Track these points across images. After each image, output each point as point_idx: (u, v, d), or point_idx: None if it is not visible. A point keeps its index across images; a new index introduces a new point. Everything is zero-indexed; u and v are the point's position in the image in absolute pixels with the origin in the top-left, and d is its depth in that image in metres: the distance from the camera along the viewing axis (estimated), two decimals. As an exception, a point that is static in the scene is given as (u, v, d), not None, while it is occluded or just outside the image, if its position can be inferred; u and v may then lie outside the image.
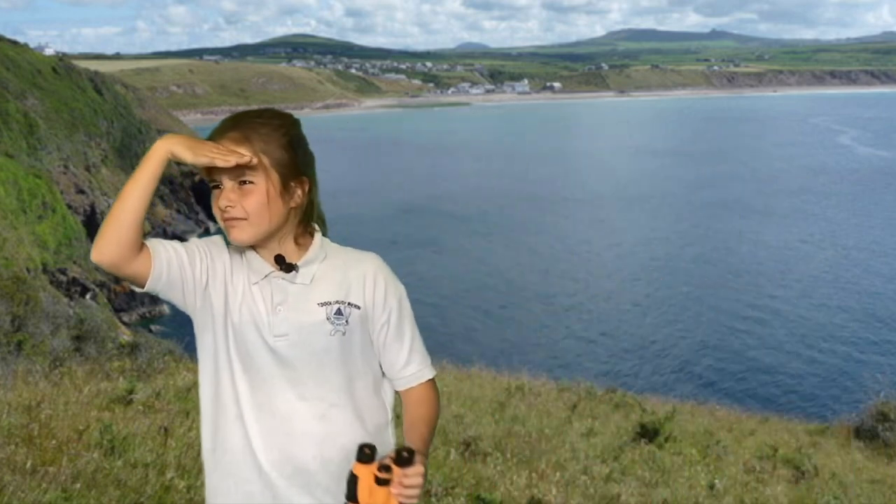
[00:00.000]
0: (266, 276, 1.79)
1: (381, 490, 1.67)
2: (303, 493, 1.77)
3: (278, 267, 1.78)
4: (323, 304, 1.77)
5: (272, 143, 1.77)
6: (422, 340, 1.89)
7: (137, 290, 1.80)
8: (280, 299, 1.78)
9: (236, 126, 1.78)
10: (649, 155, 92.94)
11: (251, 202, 1.74)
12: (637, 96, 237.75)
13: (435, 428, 1.91)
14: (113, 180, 47.72)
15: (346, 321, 1.78)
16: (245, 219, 1.75)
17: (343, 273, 1.81)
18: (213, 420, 1.81)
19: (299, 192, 1.81)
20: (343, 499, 1.73)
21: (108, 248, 1.70)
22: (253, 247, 1.81)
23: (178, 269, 1.77)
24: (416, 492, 1.72)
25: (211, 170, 1.76)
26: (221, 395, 1.79)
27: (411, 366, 1.86)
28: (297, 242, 1.82)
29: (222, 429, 1.80)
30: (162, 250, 1.76)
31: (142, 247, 1.73)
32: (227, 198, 1.75)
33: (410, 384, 1.87)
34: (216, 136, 1.78)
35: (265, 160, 1.75)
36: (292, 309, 1.77)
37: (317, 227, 1.86)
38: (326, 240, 1.87)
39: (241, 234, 1.76)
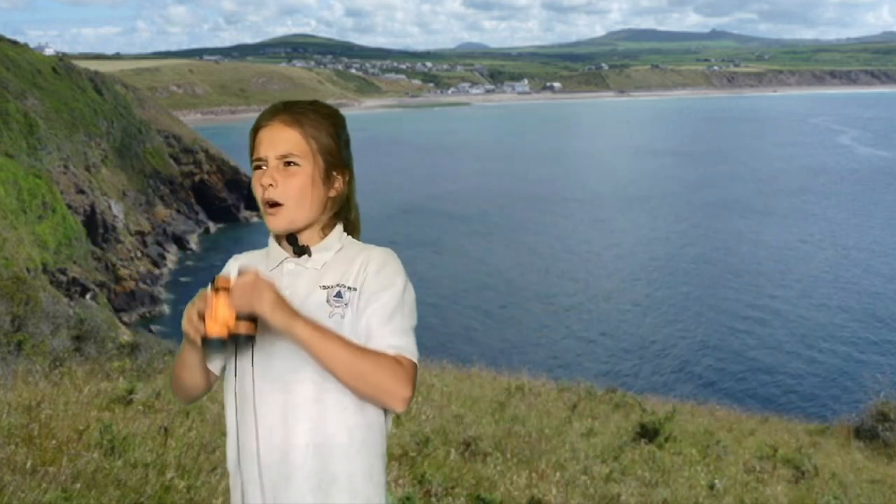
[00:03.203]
0: (280, 262, 1.83)
1: (217, 297, 1.64)
2: (280, 487, 1.75)
3: (292, 249, 1.81)
4: (325, 287, 1.78)
5: (322, 129, 1.81)
6: (413, 336, 1.74)
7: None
8: (288, 283, 1.79)
9: (288, 110, 1.82)
10: (649, 155, 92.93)
11: (294, 184, 1.77)
12: (637, 96, 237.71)
13: (345, 358, 1.65)
14: (113, 180, 47.71)
15: (346, 304, 1.76)
16: (282, 204, 1.78)
17: (351, 261, 1.81)
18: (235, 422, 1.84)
19: (339, 182, 1.85)
20: (332, 493, 1.74)
21: (183, 398, 1.99)
22: (278, 238, 1.85)
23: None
24: (242, 286, 1.65)
25: (257, 147, 1.81)
26: (230, 394, 1.83)
27: (392, 339, 1.71)
28: (322, 232, 1.85)
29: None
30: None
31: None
32: (270, 176, 1.77)
33: (382, 349, 1.70)
34: (265, 118, 1.83)
35: (313, 145, 1.79)
36: (297, 292, 1.78)
37: (339, 222, 1.88)
38: (347, 235, 1.88)
39: (279, 221, 1.79)
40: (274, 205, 1.79)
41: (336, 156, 1.83)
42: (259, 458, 1.76)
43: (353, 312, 1.75)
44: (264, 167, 1.80)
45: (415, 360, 1.71)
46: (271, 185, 1.77)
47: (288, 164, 1.78)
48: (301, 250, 1.81)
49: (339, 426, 1.76)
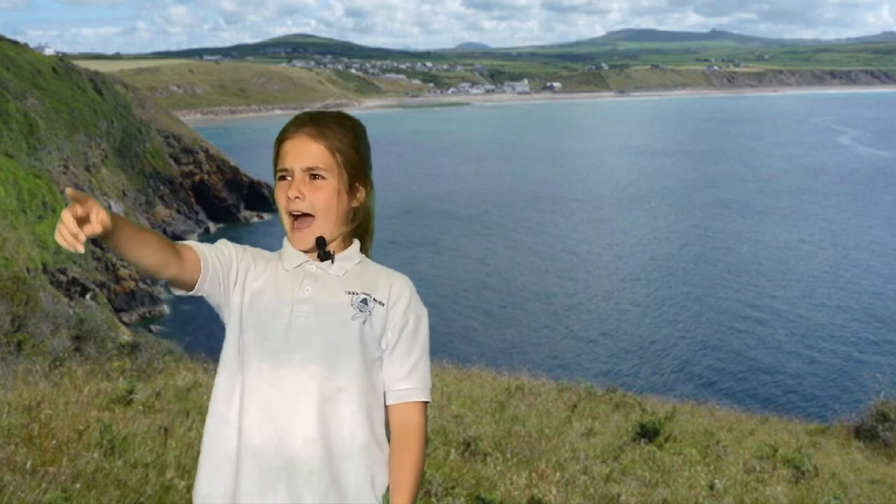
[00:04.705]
0: (300, 264, 1.86)
1: None
2: (276, 480, 1.75)
3: (317, 251, 1.85)
4: (350, 293, 1.83)
5: (346, 143, 1.85)
6: (429, 369, 1.89)
7: (183, 293, 1.82)
8: (309, 281, 1.83)
9: (313, 123, 1.85)
10: (649, 155, 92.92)
11: (321, 197, 1.82)
12: (637, 96, 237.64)
13: (422, 470, 1.84)
14: (113, 180, 47.70)
15: (370, 312, 1.82)
16: (312, 215, 1.82)
17: (374, 276, 1.88)
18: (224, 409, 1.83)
19: (362, 193, 1.90)
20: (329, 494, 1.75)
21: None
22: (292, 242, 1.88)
23: (221, 269, 1.82)
24: None
25: (283, 158, 1.83)
26: (237, 376, 1.82)
27: (409, 381, 1.85)
28: (343, 242, 1.90)
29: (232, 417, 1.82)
30: (209, 256, 1.81)
31: (185, 255, 1.77)
32: (297, 189, 1.81)
33: (402, 399, 1.84)
34: (291, 130, 1.85)
35: (338, 158, 1.84)
36: (319, 290, 1.82)
37: (356, 237, 1.94)
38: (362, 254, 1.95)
39: (305, 240, 1.83)
40: (300, 216, 1.83)
41: (359, 168, 1.88)
42: (262, 452, 1.76)
43: (379, 323, 1.83)
44: (289, 178, 1.83)
45: (428, 397, 1.87)
46: (298, 197, 1.81)
47: (314, 177, 1.82)
48: (327, 255, 1.86)
49: (348, 427, 1.78)
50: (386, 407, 1.87)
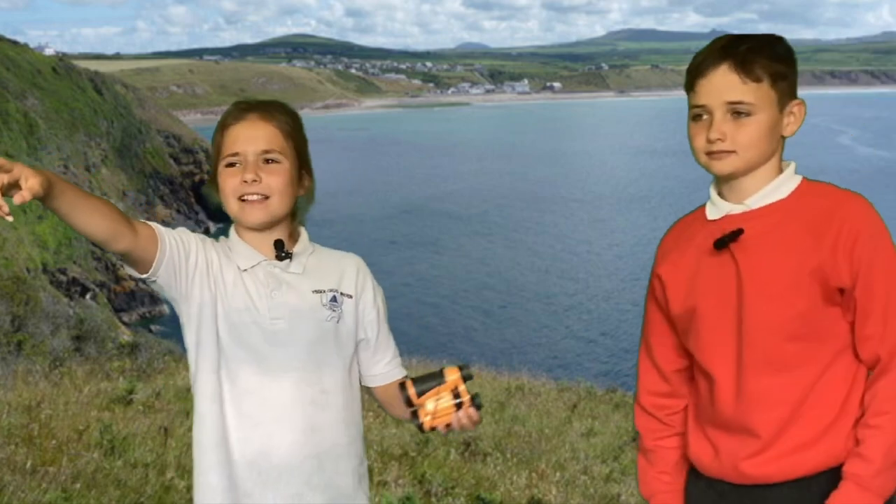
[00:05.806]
0: (258, 263, 1.78)
1: (450, 403, 1.79)
2: (269, 488, 1.73)
3: (275, 252, 1.78)
4: (317, 292, 1.78)
5: (293, 127, 1.81)
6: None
7: (137, 275, 1.73)
8: (274, 285, 1.76)
9: (261, 108, 1.80)
10: (649, 155, 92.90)
11: (277, 180, 1.75)
12: (637, 96, 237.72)
13: None
14: (113, 180, 47.72)
15: (341, 308, 1.80)
16: (267, 197, 1.75)
17: (332, 265, 1.84)
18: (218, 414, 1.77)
19: (307, 181, 1.85)
20: (329, 497, 1.75)
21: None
22: (241, 236, 1.80)
23: (179, 254, 1.72)
24: (475, 420, 1.87)
25: (231, 143, 1.75)
26: (216, 387, 1.76)
27: (393, 362, 1.90)
28: (290, 235, 1.83)
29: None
30: (167, 236, 1.72)
31: (139, 230, 1.67)
32: (253, 172, 1.73)
33: (389, 379, 1.88)
34: (235, 114, 1.78)
35: (290, 142, 1.79)
36: (286, 295, 1.76)
37: (302, 229, 1.88)
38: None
39: (259, 213, 1.75)
40: (257, 200, 1.76)
41: (304, 155, 1.83)
42: (249, 460, 1.73)
43: (350, 317, 1.81)
44: (239, 164, 1.75)
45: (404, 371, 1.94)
46: (255, 180, 1.73)
47: (268, 160, 1.75)
48: (286, 255, 1.79)
49: (333, 430, 1.77)
50: (369, 388, 1.89)
